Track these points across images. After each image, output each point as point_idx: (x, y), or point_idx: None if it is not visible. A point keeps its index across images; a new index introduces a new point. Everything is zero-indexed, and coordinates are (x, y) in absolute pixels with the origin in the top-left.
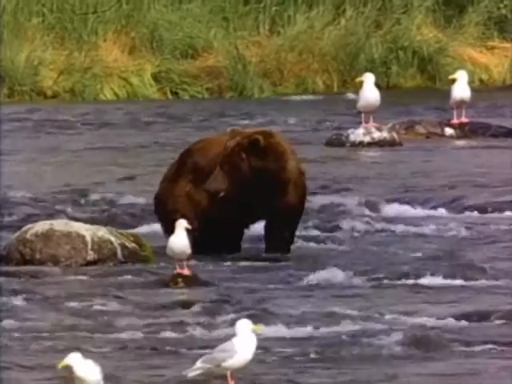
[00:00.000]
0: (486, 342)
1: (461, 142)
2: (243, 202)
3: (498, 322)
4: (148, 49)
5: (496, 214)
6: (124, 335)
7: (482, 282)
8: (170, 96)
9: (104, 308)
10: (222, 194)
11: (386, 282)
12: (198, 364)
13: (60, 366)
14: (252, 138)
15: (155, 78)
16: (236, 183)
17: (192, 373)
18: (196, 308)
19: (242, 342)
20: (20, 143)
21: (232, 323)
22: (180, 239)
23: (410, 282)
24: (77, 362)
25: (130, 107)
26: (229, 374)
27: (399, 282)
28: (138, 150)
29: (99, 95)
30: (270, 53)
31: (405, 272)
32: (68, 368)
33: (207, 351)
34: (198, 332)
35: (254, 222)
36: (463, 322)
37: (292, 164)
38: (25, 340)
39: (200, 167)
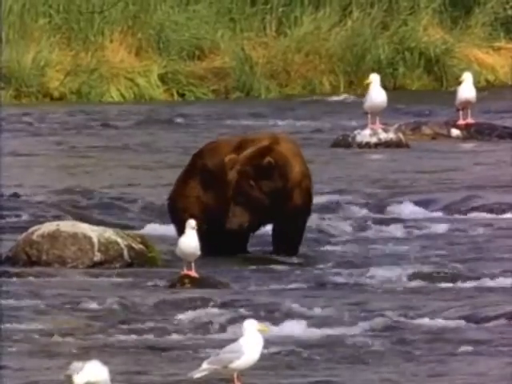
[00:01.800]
0: (487, 342)
1: (467, 143)
2: (253, 212)
3: (499, 322)
4: (154, 50)
5: (502, 215)
6: (131, 336)
7: (484, 282)
8: (176, 97)
9: (111, 309)
10: (246, 225)
11: (389, 282)
12: (205, 365)
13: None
14: (255, 164)
15: (162, 79)
16: (252, 209)
17: (198, 374)
18: (203, 309)
19: (249, 343)
20: (25, 144)
21: (238, 324)
22: (190, 240)
23: (415, 282)
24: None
25: (136, 108)
26: (235, 375)
27: (403, 283)
28: (145, 151)
29: (105, 96)
30: (277, 54)
31: (411, 272)
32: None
33: (214, 352)
34: (204, 333)
35: (261, 226)
36: (465, 322)
37: (295, 169)
38: (30, 341)
39: (208, 169)
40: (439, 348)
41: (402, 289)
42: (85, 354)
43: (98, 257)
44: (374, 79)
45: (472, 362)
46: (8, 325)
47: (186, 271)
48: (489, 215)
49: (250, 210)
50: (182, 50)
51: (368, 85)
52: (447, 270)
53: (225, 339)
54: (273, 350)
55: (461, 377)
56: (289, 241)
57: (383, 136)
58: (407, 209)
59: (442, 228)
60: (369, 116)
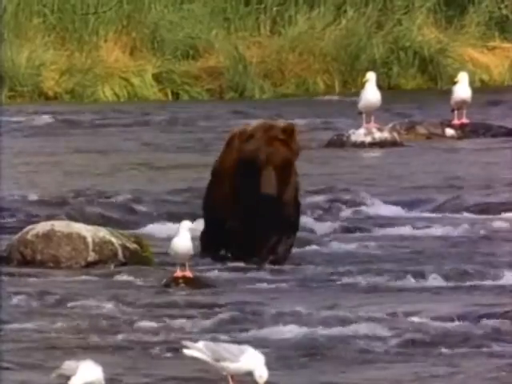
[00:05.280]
0: (485, 342)
1: (461, 143)
2: None
3: (497, 322)
4: (149, 49)
5: (497, 215)
6: (124, 336)
7: (482, 283)
8: (170, 97)
9: (105, 309)
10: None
11: (385, 282)
12: (201, 345)
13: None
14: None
15: (156, 78)
16: None
17: (191, 352)
18: (197, 309)
19: (250, 356)
20: (19, 144)
21: (233, 324)
22: (183, 240)
23: (410, 282)
24: (73, 369)
25: (131, 108)
26: (230, 377)
27: (398, 283)
28: (140, 151)
29: (100, 96)
30: (271, 53)
31: (404, 272)
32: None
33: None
34: (198, 333)
35: None
36: (462, 323)
37: None
38: (25, 341)
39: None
40: (438, 347)
41: (398, 288)
42: (78, 354)
43: (92, 256)
44: (371, 77)
45: (473, 362)
46: (2, 324)
47: (180, 271)
48: (485, 215)
49: None
50: (177, 50)
51: (365, 83)
52: (443, 269)
53: (219, 339)
54: (268, 350)
55: (461, 377)
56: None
57: (378, 135)
58: (401, 208)
59: (436, 227)
60: (363, 115)
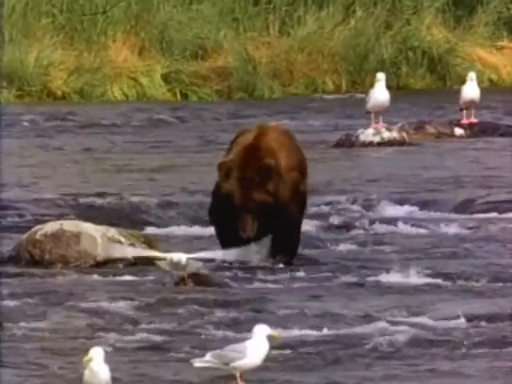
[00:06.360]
0: (486, 343)
1: (470, 142)
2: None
3: (499, 323)
4: (157, 49)
5: (505, 215)
6: (134, 335)
7: (484, 283)
8: (179, 97)
9: (113, 308)
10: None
11: (387, 282)
12: (208, 357)
13: (85, 360)
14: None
15: (165, 78)
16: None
17: (200, 363)
18: (205, 308)
19: (254, 347)
20: (28, 143)
21: (241, 324)
22: (179, 254)
23: (412, 282)
24: (98, 356)
25: (139, 108)
26: (238, 374)
27: (406, 283)
28: (148, 151)
29: (108, 96)
30: (280, 53)
31: (411, 272)
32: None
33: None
34: (207, 332)
35: None
36: (464, 323)
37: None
38: (33, 340)
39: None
40: (439, 348)
41: (400, 289)
42: (87, 353)
43: (101, 256)
44: (381, 78)
45: (474, 362)
46: (10, 324)
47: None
48: (493, 214)
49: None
50: (185, 50)
51: (374, 83)
52: (449, 270)
53: (227, 339)
54: (278, 349)
55: (462, 377)
56: (283, 244)
57: (386, 135)
58: (410, 208)
59: (445, 227)
60: (372, 115)
